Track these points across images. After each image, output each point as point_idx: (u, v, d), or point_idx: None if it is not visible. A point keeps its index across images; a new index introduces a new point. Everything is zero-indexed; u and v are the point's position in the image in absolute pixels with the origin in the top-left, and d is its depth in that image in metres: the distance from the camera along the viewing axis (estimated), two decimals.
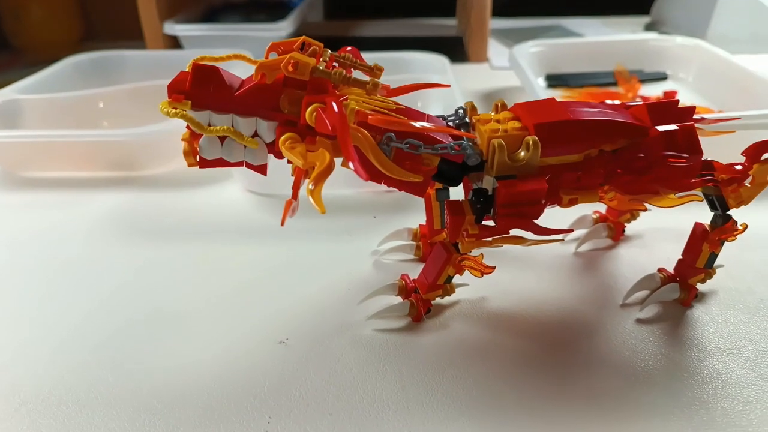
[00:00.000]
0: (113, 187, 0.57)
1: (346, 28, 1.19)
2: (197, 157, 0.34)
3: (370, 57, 0.71)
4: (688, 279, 0.39)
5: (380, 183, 0.34)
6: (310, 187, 0.29)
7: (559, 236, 0.35)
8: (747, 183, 0.36)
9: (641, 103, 0.36)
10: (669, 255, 0.44)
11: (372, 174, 0.33)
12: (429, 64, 0.76)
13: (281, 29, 0.91)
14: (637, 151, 0.35)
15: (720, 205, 0.37)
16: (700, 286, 0.40)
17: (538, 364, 0.35)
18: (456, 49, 1.01)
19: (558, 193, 0.34)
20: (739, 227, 0.37)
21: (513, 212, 0.33)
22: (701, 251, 0.38)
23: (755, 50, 0.90)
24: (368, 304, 0.39)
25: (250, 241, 0.48)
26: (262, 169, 0.35)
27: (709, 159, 0.36)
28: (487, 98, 0.80)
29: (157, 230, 0.50)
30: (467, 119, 0.36)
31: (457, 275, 0.37)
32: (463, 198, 0.36)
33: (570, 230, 0.36)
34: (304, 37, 0.34)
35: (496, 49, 0.99)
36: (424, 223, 0.45)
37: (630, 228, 0.47)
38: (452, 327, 0.38)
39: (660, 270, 0.40)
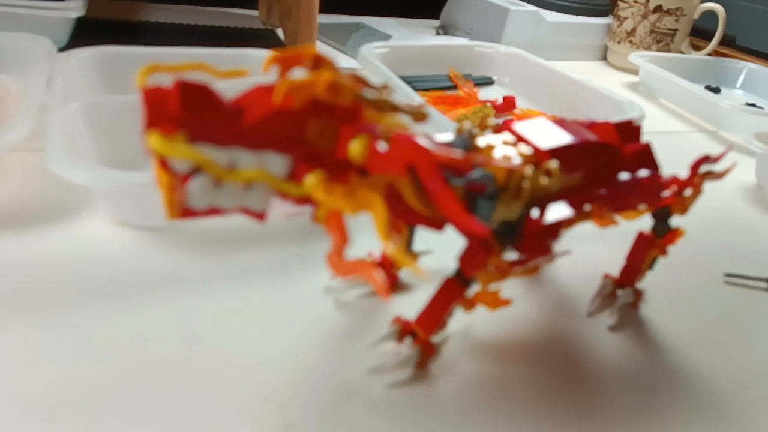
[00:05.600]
0: None
1: (133, 11, 1.02)
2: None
3: (194, 53, 0.62)
4: (635, 282, 0.42)
5: (407, 223, 0.30)
6: (391, 250, 0.23)
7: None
8: (686, 193, 0.40)
9: (607, 122, 0.38)
10: (591, 254, 0.47)
11: (400, 213, 0.28)
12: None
13: (71, 9, 0.74)
14: (618, 169, 0.36)
15: (664, 213, 0.40)
16: None
17: (555, 391, 0.34)
18: (273, 44, 0.94)
19: None
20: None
21: (541, 241, 0.32)
22: (647, 256, 0.41)
23: (537, 55, 1.03)
24: (360, 354, 0.34)
25: (170, 295, 0.37)
26: (262, 216, 0.27)
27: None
28: None
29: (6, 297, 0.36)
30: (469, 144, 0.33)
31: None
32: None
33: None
34: (311, 48, 0.27)
35: (319, 48, 0.95)
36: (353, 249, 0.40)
37: None
38: (459, 366, 0.35)
39: (606, 276, 0.43)
